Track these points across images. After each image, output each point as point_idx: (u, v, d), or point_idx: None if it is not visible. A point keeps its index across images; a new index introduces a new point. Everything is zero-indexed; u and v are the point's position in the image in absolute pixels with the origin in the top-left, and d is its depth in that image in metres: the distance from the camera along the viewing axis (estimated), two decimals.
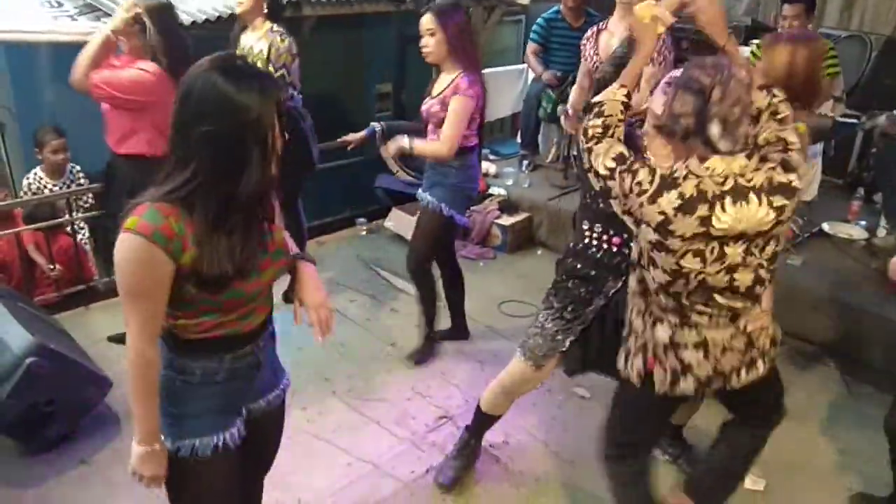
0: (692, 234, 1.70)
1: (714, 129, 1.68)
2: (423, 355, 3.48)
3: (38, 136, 4.26)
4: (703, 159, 1.71)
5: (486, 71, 3.38)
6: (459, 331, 3.63)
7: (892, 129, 4.13)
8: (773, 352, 2.03)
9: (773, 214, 1.72)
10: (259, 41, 3.44)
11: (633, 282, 1.98)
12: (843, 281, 3.62)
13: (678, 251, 1.73)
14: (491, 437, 2.77)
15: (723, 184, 1.69)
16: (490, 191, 4.95)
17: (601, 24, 2.96)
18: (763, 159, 1.75)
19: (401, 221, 4.80)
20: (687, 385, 1.93)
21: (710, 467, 2.34)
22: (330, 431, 2.94)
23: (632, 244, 2.06)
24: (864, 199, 4.38)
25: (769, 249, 1.80)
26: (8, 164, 4.90)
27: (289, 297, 1.70)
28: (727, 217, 1.69)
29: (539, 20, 4.99)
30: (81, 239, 4.18)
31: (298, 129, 3.62)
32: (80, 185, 4.32)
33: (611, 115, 1.86)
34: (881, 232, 4.08)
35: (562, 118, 4.71)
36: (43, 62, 4.51)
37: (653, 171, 1.73)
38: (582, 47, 3.23)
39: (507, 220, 4.72)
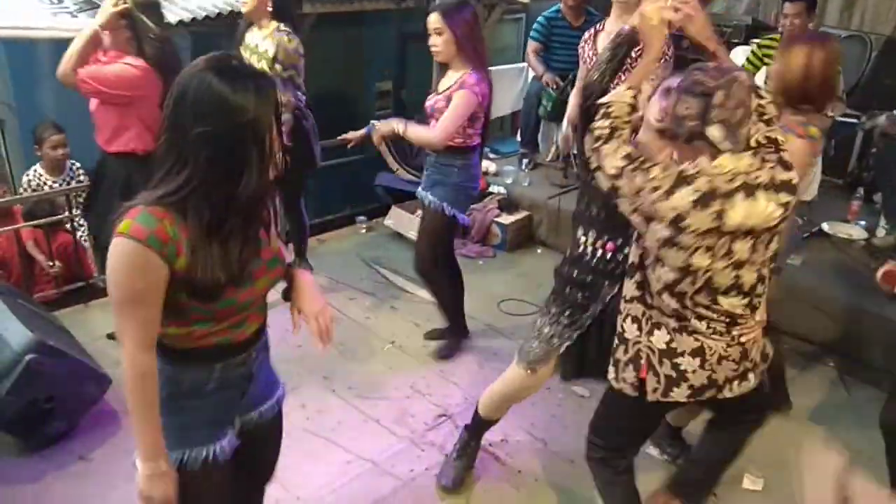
0: (705, 229, 1.72)
1: (716, 132, 1.72)
2: (449, 350, 3.50)
3: (38, 132, 4.26)
4: (712, 158, 1.74)
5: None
6: (458, 329, 3.63)
7: (891, 129, 4.13)
8: (763, 367, 2.05)
9: (779, 211, 1.76)
10: (265, 40, 3.44)
11: (629, 287, 1.98)
12: (842, 281, 3.63)
13: (689, 247, 1.75)
14: (490, 435, 2.77)
15: (732, 181, 1.72)
16: (490, 189, 4.95)
17: (598, 25, 2.95)
18: (763, 159, 1.78)
19: (401, 220, 4.80)
20: (680, 393, 1.94)
21: (695, 462, 2.39)
22: (329, 429, 2.94)
23: (626, 250, 2.09)
24: (864, 199, 4.39)
25: (772, 246, 1.83)
26: (7, 161, 4.90)
27: (288, 295, 1.69)
28: (738, 213, 1.72)
29: (539, 19, 4.98)
30: (81, 236, 4.18)
31: (301, 127, 3.62)
32: (79, 181, 4.31)
33: (618, 117, 1.87)
34: (881, 232, 4.09)
35: (560, 142, 4.74)
36: (43, 58, 4.52)
37: (666, 169, 1.76)
38: (580, 50, 3.22)
39: (506, 219, 4.73)
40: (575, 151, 2.22)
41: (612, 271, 2.20)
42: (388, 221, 4.87)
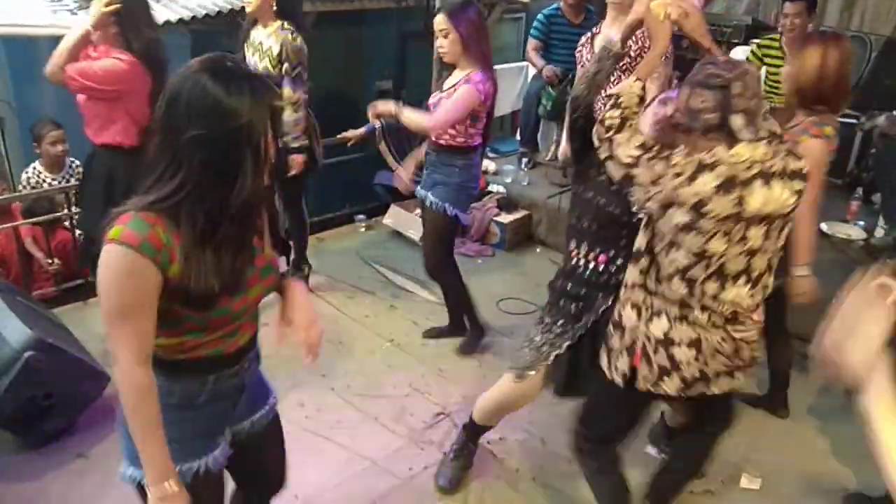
0: (726, 214, 1.75)
1: (738, 122, 1.76)
2: (469, 347, 3.51)
3: (36, 129, 4.26)
4: (728, 148, 1.77)
5: None
6: (457, 328, 3.63)
7: (891, 130, 4.14)
8: (750, 369, 2.07)
9: (793, 198, 1.81)
10: (269, 38, 3.44)
11: (632, 273, 1.98)
12: (841, 281, 3.62)
13: (708, 232, 1.78)
14: (488, 434, 2.76)
15: (749, 169, 1.76)
16: (489, 188, 4.96)
17: (595, 28, 2.96)
18: (775, 148, 1.82)
19: (400, 218, 4.80)
20: (672, 384, 1.96)
21: (665, 470, 2.43)
22: (328, 428, 2.94)
23: (619, 261, 2.13)
24: (863, 199, 4.39)
25: (783, 234, 1.87)
26: (7, 159, 4.90)
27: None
28: (757, 199, 1.76)
29: (539, 17, 4.97)
30: (80, 233, 4.18)
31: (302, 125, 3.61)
32: (79, 179, 4.30)
33: (628, 107, 1.91)
34: (879, 232, 4.09)
35: (560, 156, 4.74)
36: (42, 56, 4.48)
37: (687, 156, 1.79)
38: (578, 54, 3.22)
39: (505, 218, 4.73)
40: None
41: (606, 283, 2.21)
42: (388, 220, 4.88)
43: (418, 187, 3.34)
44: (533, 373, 2.32)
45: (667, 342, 1.93)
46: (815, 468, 2.84)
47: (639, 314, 1.97)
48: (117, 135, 2.98)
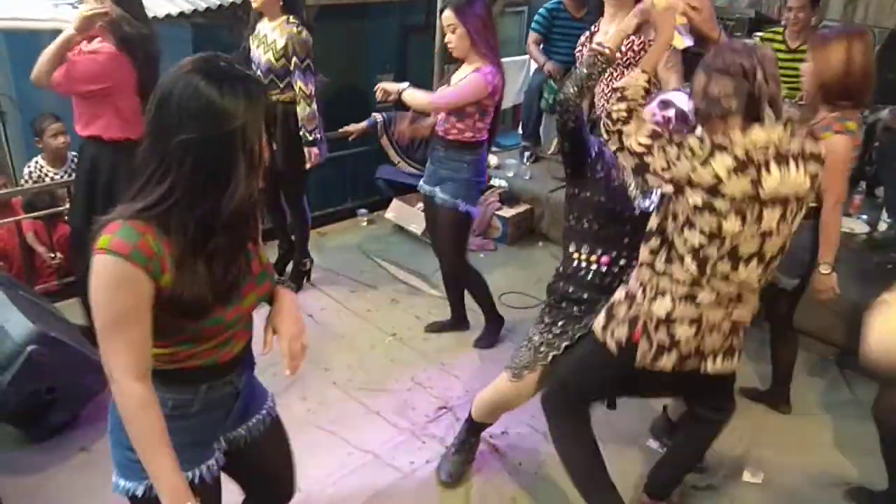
0: (742, 195, 1.77)
1: (766, 107, 1.79)
2: (485, 341, 3.52)
3: (36, 123, 4.26)
4: (743, 130, 1.78)
5: None
6: (459, 322, 3.64)
7: (894, 124, 4.12)
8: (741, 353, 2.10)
9: (809, 181, 1.83)
10: (274, 31, 3.45)
11: (644, 252, 1.99)
12: (843, 275, 3.61)
13: (724, 212, 1.79)
14: (490, 427, 2.76)
15: (766, 151, 1.77)
16: (491, 182, 4.94)
17: (594, 27, 2.94)
18: (792, 131, 1.84)
19: (402, 212, 4.80)
20: (669, 360, 1.98)
21: (664, 462, 2.45)
22: (330, 421, 2.95)
23: (622, 262, 2.16)
24: (866, 192, 4.38)
25: (799, 217, 1.89)
26: (9, 152, 4.90)
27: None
28: (773, 181, 1.77)
29: (541, 10, 4.96)
30: None
31: None
32: None
33: (633, 99, 1.92)
34: (882, 226, 4.07)
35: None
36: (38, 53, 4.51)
37: (702, 139, 1.81)
38: (578, 54, 3.21)
39: (507, 212, 4.72)
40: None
41: (609, 285, 2.20)
42: (390, 214, 4.87)
43: (421, 182, 3.34)
44: (527, 372, 2.32)
45: (668, 321, 1.95)
46: (816, 463, 2.84)
47: (644, 292, 1.98)
48: (101, 128, 2.98)
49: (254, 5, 3.47)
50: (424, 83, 3.19)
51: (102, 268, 1.26)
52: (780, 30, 4.06)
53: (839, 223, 2.60)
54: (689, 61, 2.24)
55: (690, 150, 1.78)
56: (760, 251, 1.86)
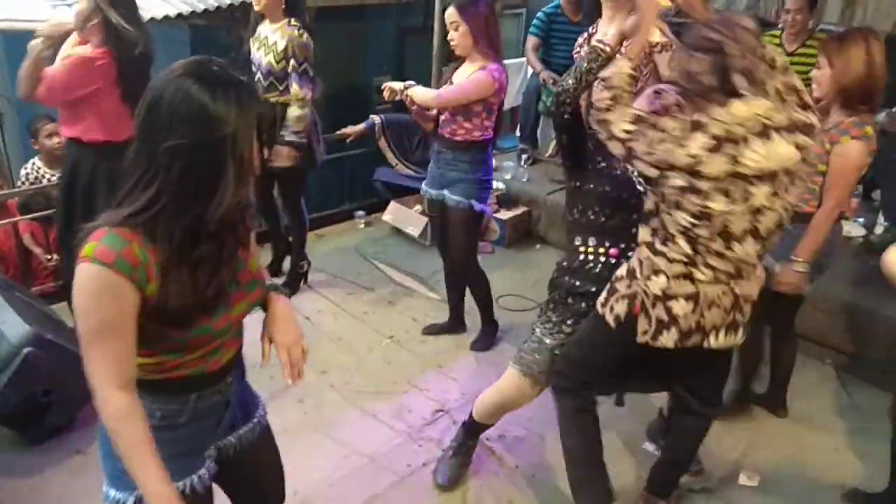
0: (722, 173, 1.76)
1: (739, 81, 1.78)
2: (482, 344, 3.53)
3: (32, 125, 4.25)
4: (723, 106, 1.78)
5: None
6: (457, 324, 3.64)
7: (891, 127, 4.12)
8: (749, 327, 2.08)
9: (796, 153, 1.81)
10: (275, 33, 3.45)
11: (643, 232, 2.00)
12: (840, 279, 3.63)
13: (707, 192, 1.78)
14: (488, 431, 2.76)
15: (748, 125, 1.76)
16: None
17: (592, 28, 2.94)
18: (782, 101, 1.83)
19: (399, 215, 4.80)
20: (669, 337, 1.98)
21: (660, 461, 2.47)
22: (327, 424, 2.95)
23: (630, 254, 2.11)
24: (863, 195, 4.38)
25: (794, 190, 1.87)
26: (5, 154, 4.88)
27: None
28: (756, 156, 1.76)
29: (539, 14, 4.97)
30: None
31: None
32: None
33: (619, 86, 1.91)
34: (879, 229, 4.08)
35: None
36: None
37: (679, 119, 1.80)
38: (576, 55, 3.21)
39: (505, 215, 4.72)
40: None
41: None
42: (387, 216, 4.87)
43: (423, 185, 3.33)
44: (545, 376, 2.31)
45: (665, 297, 1.95)
46: (813, 465, 2.84)
47: (641, 270, 1.99)
48: (81, 130, 2.99)
49: (256, 8, 3.47)
50: (422, 85, 3.18)
51: (86, 276, 1.23)
52: (778, 33, 4.07)
53: (829, 228, 2.52)
54: None
55: (668, 133, 1.78)
56: (754, 228, 1.85)
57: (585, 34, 2.99)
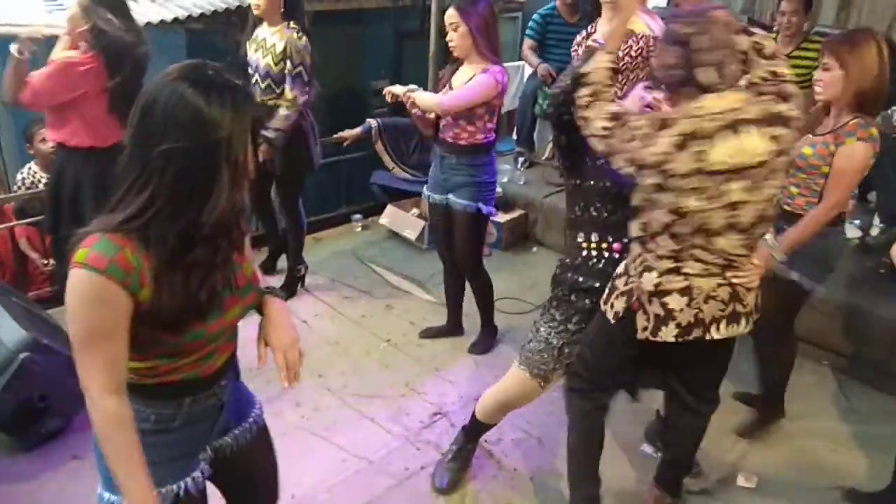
0: (689, 170, 1.75)
1: (704, 75, 1.77)
2: (480, 347, 3.52)
3: (28, 129, 4.25)
4: (693, 99, 1.77)
5: None
6: (455, 327, 3.63)
7: (886, 129, 4.14)
8: (755, 315, 2.07)
9: (771, 146, 1.78)
10: (274, 35, 3.45)
11: (634, 228, 2.00)
12: (836, 280, 3.63)
13: (677, 189, 1.78)
14: (486, 434, 2.77)
15: (717, 120, 1.74)
16: None
17: (590, 27, 2.95)
18: (759, 93, 1.80)
19: (396, 218, 4.80)
20: (668, 332, 1.98)
21: (662, 463, 2.48)
22: (324, 427, 2.94)
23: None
24: (859, 197, 4.38)
25: (773, 183, 1.85)
26: (2, 159, 4.89)
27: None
28: (721, 152, 1.74)
29: (535, 16, 4.97)
30: None
31: (299, 126, 3.61)
32: None
33: (597, 82, 1.91)
34: (874, 230, 4.09)
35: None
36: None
37: (648, 117, 1.80)
38: (573, 53, 3.22)
39: (502, 218, 4.71)
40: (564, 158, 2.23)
41: None
42: (384, 220, 4.87)
43: (427, 192, 3.32)
44: (554, 376, 2.31)
45: (658, 293, 1.95)
46: (810, 466, 2.84)
47: (635, 266, 1.99)
48: (66, 134, 2.99)
49: (255, 12, 3.47)
50: (419, 87, 3.18)
51: (78, 282, 1.23)
52: (773, 35, 4.08)
53: (820, 226, 2.47)
54: None
55: (637, 130, 1.77)
56: (732, 223, 1.83)
57: (584, 33, 3.01)
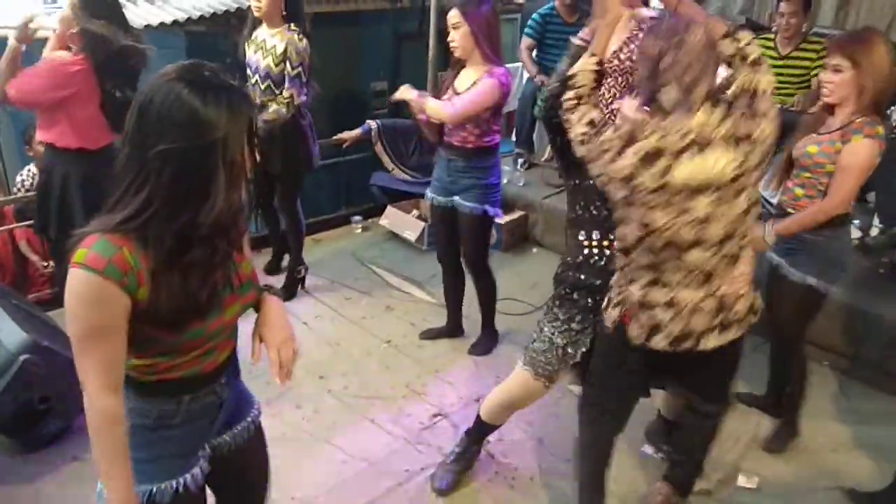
0: (655, 187, 1.74)
1: (667, 95, 1.75)
2: (481, 348, 3.52)
3: (27, 132, 4.26)
4: (663, 115, 1.76)
5: None
6: (455, 328, 3.63)
7: (886, 129, 4.14)
8: (752, 319, 2.05)
9: (734, 164, 1.75)
10: (274, 37, 3.45)
11: (617, 242, 2.00)
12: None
13: (645, 205, 1.77)
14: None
15: (684, 138, 1.73)
16: None
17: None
18: (730, 111, 1.77)
19: (396, 219, 4.80)
20: (661, 340, 1.97)
21: (674, 464, 2.49)
22: (325, 429, 2.94)
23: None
24: (858, 198, 4.38)
25: (741, 201, 1.82)
26: (1, 161, 4.89)
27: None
28: (685, 170, 1.73)
29: (534, 16, 4.97)
30: None
31: (298, 126, 3.62)
32: None
33: (583, 85, 1.90)
34: (874, 231, 4.09)
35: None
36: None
37: (617, 130, 1.78)
38: None
39: (501, 219, 4.71)
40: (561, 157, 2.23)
41: None
42: (384, 221, 4.87)
43: (431, 194, 3.32)
44: (558, 375, 2.32)
45: (645, 305, 1.95)
46: (811, 467, 2.84)
47: (623, 275, 1.99)
48: (55, 135, 2.98)
49: (256, 13, 3.47)
50: (418, 89, 3.18)
51: (77, 282, 1.24)
52: (772, 36, 4.09)
53: (818, 220, 2.46)
54: None
55: (605, 143, 1.77)
56: (701, 238, 1.81)
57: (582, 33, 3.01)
